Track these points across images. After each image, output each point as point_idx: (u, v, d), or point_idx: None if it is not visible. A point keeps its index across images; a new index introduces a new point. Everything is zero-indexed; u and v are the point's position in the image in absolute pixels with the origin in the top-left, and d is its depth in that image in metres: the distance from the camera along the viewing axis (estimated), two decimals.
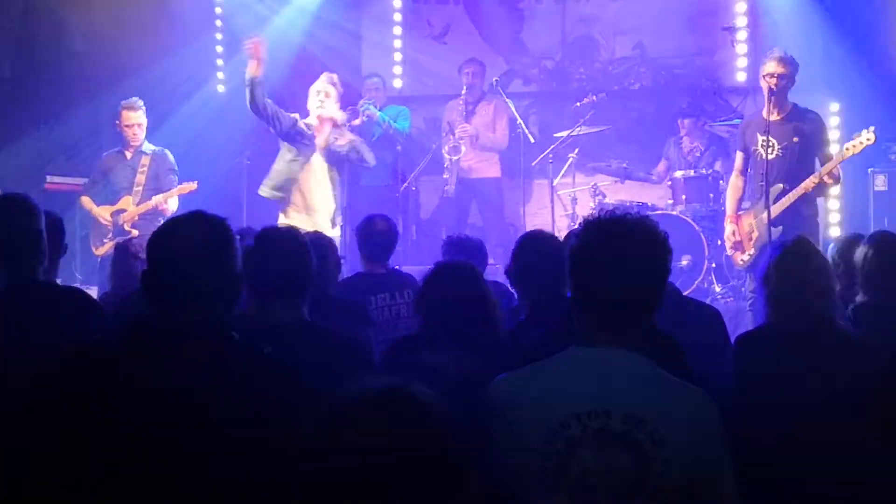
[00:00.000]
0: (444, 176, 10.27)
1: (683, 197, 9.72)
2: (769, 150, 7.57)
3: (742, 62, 10.80)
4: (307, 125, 8.56)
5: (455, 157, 10.12)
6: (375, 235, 6.04)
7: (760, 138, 7.57)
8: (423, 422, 1.91)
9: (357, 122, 10.16)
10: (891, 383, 3.48)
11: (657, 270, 2.73)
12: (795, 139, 7.58)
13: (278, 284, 3.90)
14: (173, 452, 2.59)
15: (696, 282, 9.25)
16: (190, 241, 2.77)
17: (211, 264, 2.78)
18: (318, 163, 8.54)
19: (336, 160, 8.62)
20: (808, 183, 7.48)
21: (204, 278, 2.76)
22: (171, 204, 8.90)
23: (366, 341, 4.70)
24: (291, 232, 4.16)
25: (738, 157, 8.06)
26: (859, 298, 5.04)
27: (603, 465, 2.57)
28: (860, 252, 5.07)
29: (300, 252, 3.98)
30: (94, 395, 2.64)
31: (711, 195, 9.72)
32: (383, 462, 1.85)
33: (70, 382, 2.70)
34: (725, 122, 10.05)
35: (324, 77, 8.78)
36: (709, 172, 9.78)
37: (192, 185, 9.00)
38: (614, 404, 2.60)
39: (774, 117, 7.64)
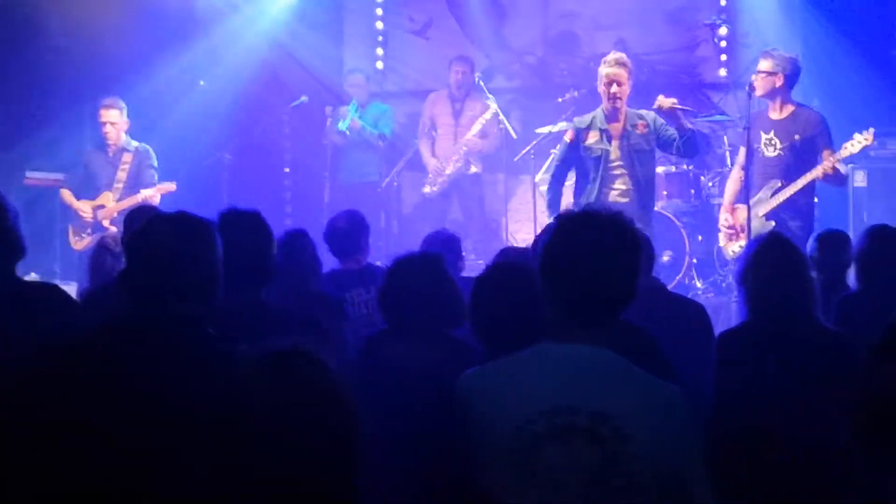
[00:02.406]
0: (436, 179, 10.29)
1: (664, 193, 9.73)
2: (771, 147, 7.70)
3: (723, 58, 10.83)
4: None
5: (470, 171, 10.23)
6: (339, 232, 6.05)
7: (764, 136, 7.70)
8: (319, 378, 2.01)
9: (339, 135, 10.19)
10: (863, 378, 3.48)
11: (628, 266, 2.71)
12: (797, 137, 7.68)
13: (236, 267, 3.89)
14: (147, 446, 2.59)
15: (678, 277, 9.27)
16: (172, 240, 2.78)
17: (192, 262, 2.80)
18: None
19: None
20: (804, 179, 7.57)
21: (184, 276, 2.78)
22: (155, 200, 8.87)
23: (338, 331, 4.74)
24: (253, 215, 4.13)
25: (742, 151, 8.14)
26: (854, 288, 5.12)
27: (569, 462, 2.57)
28: (858, 244, 5.16)
29: (259, 235, 3.99)
30: (67, 390, 2.65)
31: (692, 191, 9.75)
32: (283, 414, 1.95)
33: (43, 378, 2.71)
34: (706, 118, 10.07)
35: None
36: (690, 168, 9.81)
37: (171, 186, 8.96)
38: (581, 400, 2.59)
39: (779, 115, 7.79)
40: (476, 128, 10.27)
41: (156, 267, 2.77)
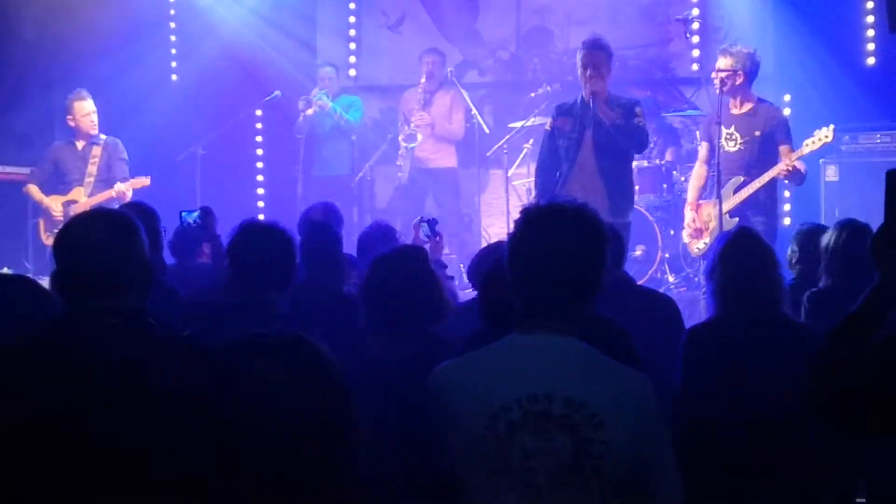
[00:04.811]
0: (398, 163, 10.31)
1: (637, 187, 9.74)
2: (732, 143, 7.73)
3: (695, 53, 10.86)
4: None
5: (411, 145, 10.15)
6: (312, 223, 6.13)
7: (725, 131, 7.70)
8: (319, 365, 2.05)
9: (310, 111, 10.17)
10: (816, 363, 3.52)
11: (593, 257, 2.76)
12: (757, 133, 7.74)
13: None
14: (91, 439, 2.61)
15: (650, 272, 9.30)
16: (93, 236, 2.82)
17: (116, 255, 2.83)
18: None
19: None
20: (766, 177, 7.62)
21: (111, 269, 2.81)
22: (128, 195, 8.83)
23: None
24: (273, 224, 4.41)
25: (703, 147, 8.19)
26: (822, 283, 5.12)
27: (543, 449, 2.61)
28: (826, 238, 5.16)
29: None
30: (12, 388, 2.65)
31: (665, 185, 9.77)
32: (281, 398, 1.98)
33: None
34: (678, 113, 10.11)
35: None
36: (662, 163, 9.84)
37: (145, 181, 8.95)
38: (554, 388, 2.63)
39: (739, 111, 7.83)
40: (441, 103, 10.29)
41: (80, 264, 2.82)
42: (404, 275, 4.11)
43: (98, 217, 2.94)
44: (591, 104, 7.23)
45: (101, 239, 2.80)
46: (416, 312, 4.06)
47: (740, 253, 4.16)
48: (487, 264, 4.17)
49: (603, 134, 7.34)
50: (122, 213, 2.96)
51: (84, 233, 2.83)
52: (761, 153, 7.75)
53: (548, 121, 7.86)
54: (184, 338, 2.82)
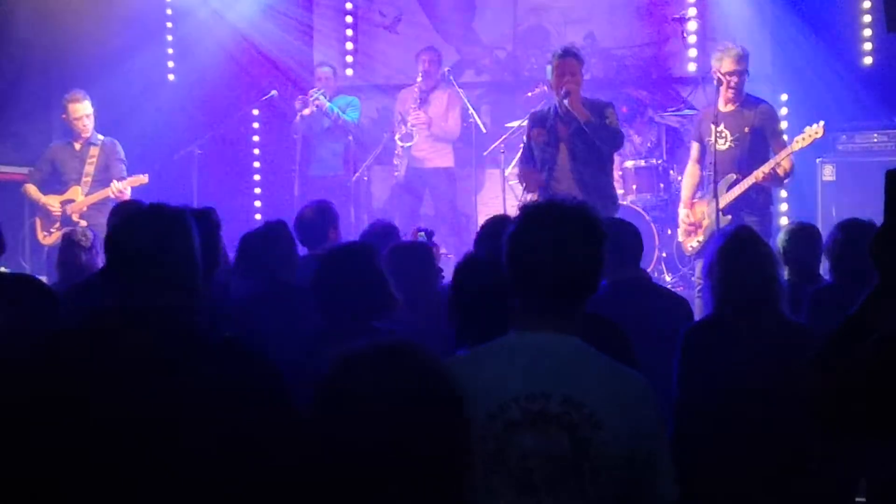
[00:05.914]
0: (395, 162, 10.32)
1: (634, 187, 9.77)
2: (722, 140, 7.68)
3: (692, 52, 10.85)
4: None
5: (407, 144, 10.15)
6: (305, 221, 6.20)
7: (714, 129, 7.66)
8: (428, 373, 2.04)
9: (307, 111, 10.17)
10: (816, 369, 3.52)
11: (592, 255, 2.77)
12: (747, 129, 7.68)
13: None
14: (143, 439, 2.58)
15: (647, 271, 9.30)
16: (153, 233, 2.80)
17: (173, 254, 2.82)
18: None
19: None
20: (758, 173, 7.58)
21: (168, 267, 2.80)
22: (126, 193, 8.83)
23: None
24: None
25: (695, 147, 8.14)
26: (827, 281, 5.14)
27: (541, 448, 2.61)
28: (831, 237, 5.17)
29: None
30: (61, 387, 2.64)
31: (662, 185, 9.78)
32: (391, 412, 1.96)
33: (36, 373, 2.69)
34: (675, 112, 10.11)
35: None
36: (659, 162, 9.85)
37: (143, 179, 8.94)
38: (553, 387, 2.64)
39: (728, 108, 7.76)
40: (438, 103, 10.29)
41: (139, 261, 2.78)
42: (349, 271, 4.13)
43: (150, 213, 2.89)
44: (566, 101, 7.23)
45: (149, 235, 2.79)
46: (360, 307, 4.08)
47: (739, 251, 4.15)
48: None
49: (578, 142, 7.32)
50: (176, 211, 2.91)
51: (133, 228, 2.81)
52: (752, 149, 7.70)
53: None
54: (226, 339, 2.81)
